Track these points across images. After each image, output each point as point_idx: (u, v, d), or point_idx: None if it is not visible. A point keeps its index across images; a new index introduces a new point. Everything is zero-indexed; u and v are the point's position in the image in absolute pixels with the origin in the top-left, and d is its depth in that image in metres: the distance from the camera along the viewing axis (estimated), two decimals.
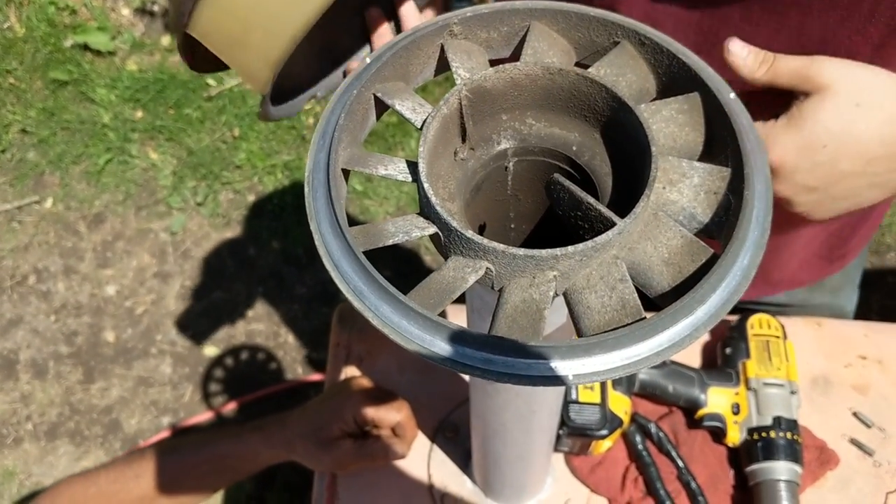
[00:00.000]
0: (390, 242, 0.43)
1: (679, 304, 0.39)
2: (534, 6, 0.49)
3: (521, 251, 0.40)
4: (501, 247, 0.40)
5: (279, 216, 2.35)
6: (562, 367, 0.39)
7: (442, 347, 0.39)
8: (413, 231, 0.43)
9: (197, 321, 2.23)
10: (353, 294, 0.41)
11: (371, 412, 0.90)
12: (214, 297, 2.26)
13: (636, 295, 0.41)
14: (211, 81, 2.55)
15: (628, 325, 0.40)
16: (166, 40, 2.64)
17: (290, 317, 2.22)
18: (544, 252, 0.40)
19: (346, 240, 0.41)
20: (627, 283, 0.41)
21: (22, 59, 2.59)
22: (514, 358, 0.39)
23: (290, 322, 2.22)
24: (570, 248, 0.40)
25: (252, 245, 2.32)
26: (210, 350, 2.19)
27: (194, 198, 2.39)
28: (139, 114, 2.52)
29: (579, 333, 0.42)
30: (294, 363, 2.16)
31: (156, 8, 2.67)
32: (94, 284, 2.28)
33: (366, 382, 0.95)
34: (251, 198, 2.39)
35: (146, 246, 2.34)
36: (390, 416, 0.90)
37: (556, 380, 0.39)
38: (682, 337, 0.40)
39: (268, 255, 2.30)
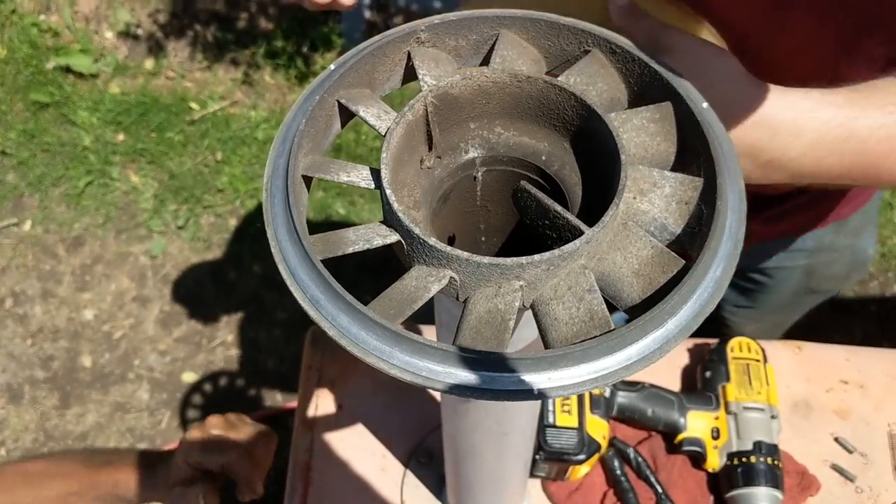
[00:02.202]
0: (350, 251, 0.42)
1: (649, 315, 0.38)
2: (503, 14, 0.48)
3: (486, 259, 0.39)
4: (465, 255, 0.39)
5: (260, 240, 2.33)
6: (527, 380, 0.38)
7: (401, 360, 0.38)
8: (375, 239, 0.42)
9: (175, 346, 2.20)
10: (308, 303, 0.39)
11: (196, 457, 0.90)
12: (194, 321, 2.23)
13: (605, 306, 0.40)
14: (194, 105, 2.54)
15: (596, 337, 0.38)
16: (150, 63, 2.63)
17: (270, 342, 2.20)
18: (509, 260, 0.39)
19: (304, 247, 0.40)
20: (596, 293, 0.40)
21: (3, 81, 2.57)
22: (476, 371, 0.37)
23: (270, 348, 2.19)
24: (537, 257, 0.39)
25: (233, 269, 2.30)
26: (188, 376, 2.16)
27: (175, 221, 2.37)
28: (121, 137, 2.50)
29: (546, 346, 0.40)
30: (273, 390, 2.13)
31: (140, 31, 2.66)
32: (71, 308, 2.25)
33: (198, 433, 0.94)
34: (233, 222, 2.38)
35: (125, 270, 2.31)
36: (213, 459, 0.90)
37: (520, 394, 0.37)
38: (651, 350, 0.38)
39: (248, 280, 2.28)
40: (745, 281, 1.20)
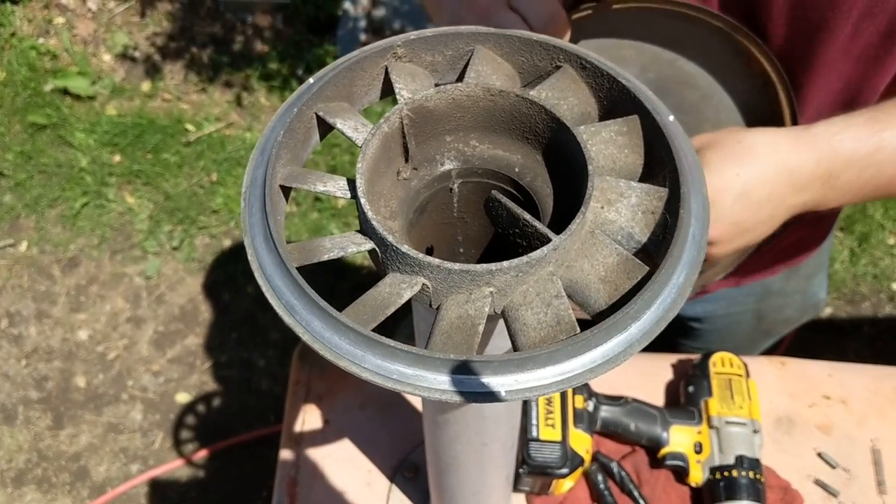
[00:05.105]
0: (326, 258, 0.43)
1: (612, 319, 0.39)
2: (478, 30, 0.50)
3: (457, 266, 0.40)
4: (437, 261, 0.40)
5: None
6: (494, 382, 0.39)
7: (373, 363, 0.39)
8: (349, 247, 0.43)
9: (169, 367, 2.20)
10: (283, 309, 0.40)
11: None
12: (188, 342, 2.24)
13: (571, 311, 0.41)
14: (190, 127, 2.56)
15: (562, 340, 0.39)
16: (146, 86, 2.66)
17: (264, 363, 2.20)
18: (479, 267, 0.40)
19: (280, 255, 0.41)
20: (563, 299, 0.41)
21: (1, 103, 2.59)
22: (445, 374, 0.39)
23: (264, 369, 2.19)
24: (506, 264, 0.40)
25: (227, 290, 2.31)
26: (182, 396, 2.16)
27: (170, 242, 2.38)
28: (117, 158, 2.52)
29: (516, 350, 0.41)
30: (267, 411, 2.13)
31: (137, 54, 2.69)
32: (66, 329, 2.26)
33: None
34: (227, 242, 2.39)
35: (120, 290, 2.32)
36: None
37: (488, 395, 0.38)
38: (616, 353, 0.39)
39: (243, 301, 2.29)
40: (698, 323, 1.20)
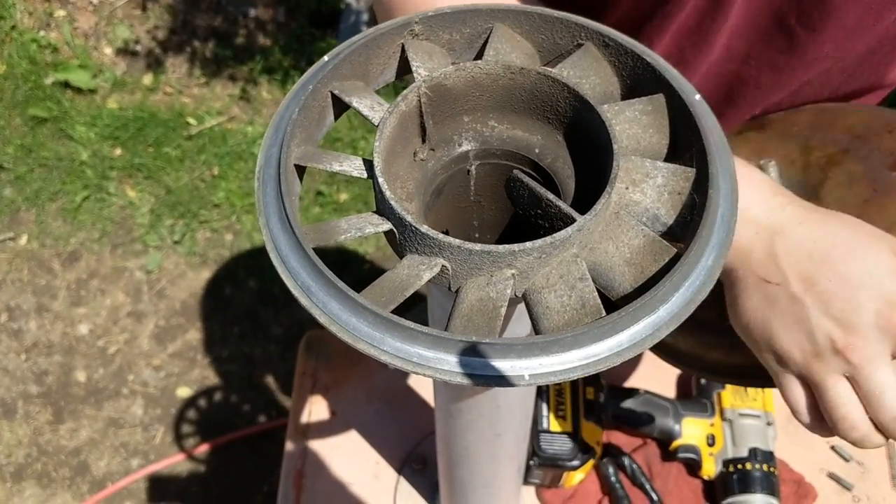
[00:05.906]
0: (342, 239, 0.42)
1: (640, 301, 0.38)
2: (497, 7, 0.48)
3: (478, 246, 0.39)
4: (457, 242, 0.39)
5: (256, 256, 2.33)
6: (518, 366, 0.37)
7: (392, 346, 0.38)
8: (367, 228, 0.42)
9: (170, 361, 2.19)
10: (300, 291, 0.39)
11: None
12: (189, 337, 2.23)
13: (596, 294, 0.40)
14: (191, 120, 2.55)
15: (587, 323, 0.38)
16: (148, 79, 2.64)
17: (266, 358, 2.19)
18: (501, 248, 0.39)
19: (296, 235, 0.40)
20: (588, 281, 0.40)
21: (2, 96, 2.58)
22: (467, 357, 0.37)
23: (265, 363, 2.18)
24: (529, 244, 0.39)
25: (228, 285, 2.30)
26: (183, 391, 2.15)
27: (171, 236, 2.37)
28: (118, 151, 2.50)
29: (538, 334, 0.40)
30: (268, 405, 2.13)
31: (138, 48, 2.67)
32: (66, 323, 2.24)
33: None
34: (229, 237, 2.37)
35: (121, 284, 2.31)
36: None
37: (511, 379, 0.37)
38: (643, 337, 0.38)
39: (244, 295, 2.28)
40: None
